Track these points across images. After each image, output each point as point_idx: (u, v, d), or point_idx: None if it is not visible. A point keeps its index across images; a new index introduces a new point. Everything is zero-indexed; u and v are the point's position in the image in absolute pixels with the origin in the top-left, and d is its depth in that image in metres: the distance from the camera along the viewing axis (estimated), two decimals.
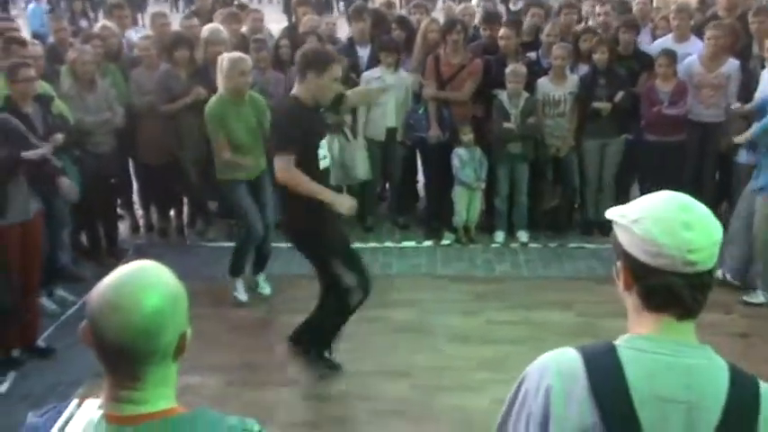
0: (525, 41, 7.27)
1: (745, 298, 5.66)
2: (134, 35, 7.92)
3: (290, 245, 6.85)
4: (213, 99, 5.65)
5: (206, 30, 6.72)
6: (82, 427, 1.40)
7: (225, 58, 5.58)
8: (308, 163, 4.31)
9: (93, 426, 1.40)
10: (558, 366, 1.56)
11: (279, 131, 4.42)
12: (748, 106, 6.10)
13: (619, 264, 1.60)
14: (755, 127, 5.65)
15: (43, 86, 5.70)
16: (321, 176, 4.40)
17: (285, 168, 4.27)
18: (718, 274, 5.85)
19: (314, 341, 4.73)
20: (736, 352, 4.96)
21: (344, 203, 4.38)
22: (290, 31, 7.84)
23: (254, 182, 5.77)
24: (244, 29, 7.75)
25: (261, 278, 6.07)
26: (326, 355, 4.75)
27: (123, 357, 1.44)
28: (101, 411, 1.43)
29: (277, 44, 7.37)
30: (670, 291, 1.53)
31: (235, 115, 5.59)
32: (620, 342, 1.58)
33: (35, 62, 5.72)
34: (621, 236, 1.58)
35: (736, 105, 6.28)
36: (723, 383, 1.52)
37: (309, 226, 4.41)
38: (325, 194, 4.33)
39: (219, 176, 5.73)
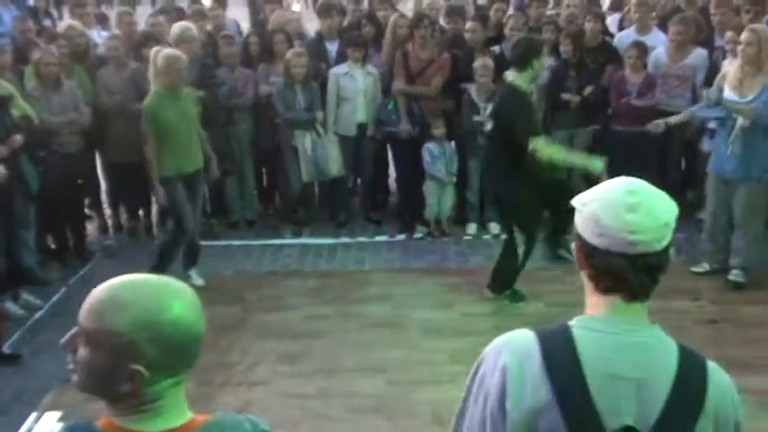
0: (490, 36, 7.30)
1: (729, 277, 5.73)
2: (96, 35, 7.81)
3: (261, 242, 6.93)
4: (150, 93, 5.62)
5: (177, 27, 6.65)
6: None
7: (160, 55, 5.54)
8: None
9: None
10: (514, 346, 1.61)
11: (528, 118, 5.12)
12: (690, 111, 6.12)
13: (573, 245, 1.66)
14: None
15: (4, 87, 5.60)
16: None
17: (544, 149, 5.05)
18: (703, 266, 5.97)
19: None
20: (705, 338, 5.02)
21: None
22: (259, 28, 7.80)
23: (189, 178, 5.75)
24: (210, 26, 7.69)
25: (193, 272, 6.04)
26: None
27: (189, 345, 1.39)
28: (60, 424, 1.38)
29: (246, 41, 7.33)
30: (614, 272, 1.57)
31: (171, 109, 5.57)
32: (573, 322, 1.62)
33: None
34: (577, 217, 1.63)
35: (672, 119, 6.18)
36: (672, 362, 1.57)
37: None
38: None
39: (159, 173, 5.67)
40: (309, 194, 7.26)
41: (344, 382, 4.63)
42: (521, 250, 5.48)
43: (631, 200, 1.56)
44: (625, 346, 1.56)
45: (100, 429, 1.38)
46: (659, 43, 6.92)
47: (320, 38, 7.48)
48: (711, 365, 1.61)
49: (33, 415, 1.39)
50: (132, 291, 1.35)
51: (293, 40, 7.19)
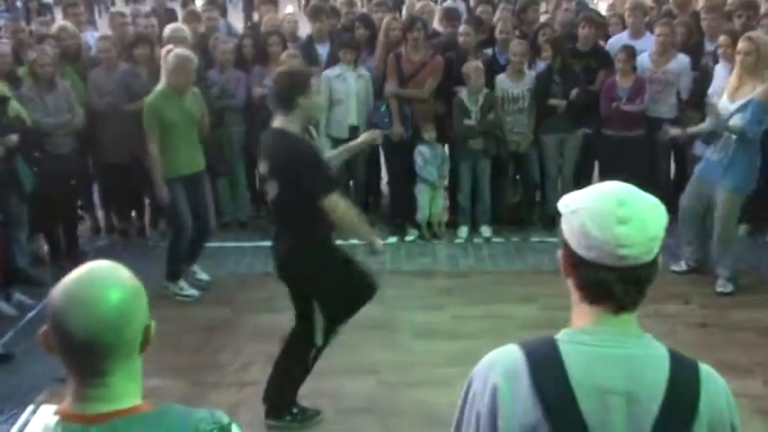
0: (482, 39, 7.33)
1: (718, 289, 5.74)
2: (90, 37, 7.82)
3: (253, 244, 6.93)
4: (155, 91, 5.62)
5: (169, 28, 6.67)
6: None
7: (172, 55, 5.56)
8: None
9: (49, 430, 1.37)
10: (503, 365, 1.58)
11: (313, 172, 3.92)
12: (698, 128, 6.03)
13: (559, 252, 1.63)
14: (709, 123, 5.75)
15: (0, 88, 5.62)
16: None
17: (340, 208, 3.96)
18: (681, 265, 6.03)
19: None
20: (696, 342, 5.06)
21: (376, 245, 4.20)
22: (253, 30, 7.81)
23: (192, 180, 5.75)
24: (202, 28, 7.71)
25: (195, 267, 6.08)
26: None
27: (90, 353, 1.43)
28: (57, 417, 1.40)
29: (240, 43, 7.34)
30: (602, 285, 1.54)
31: (176, 109, 5.58)
32: (560, 336, 1.60)
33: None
34: (563, 224, 1.60)
35: (675, 131, 6.17)
36: (663, 372, 1.54)
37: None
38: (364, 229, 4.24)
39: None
40: None
41: (335, 383, 4.64)
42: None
43: (621, 212, 1.52)
44: (613, 358, 1.54)
45: None
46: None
47: (311, 41, 7.49)
48: (705, 370, 1.59)
49: (30, 408, 1.40)
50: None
51: (288, 41, 7.21)
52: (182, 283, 5.89)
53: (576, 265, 1.57)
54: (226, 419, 1.51)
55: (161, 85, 5.63)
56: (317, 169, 3.91)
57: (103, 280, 1.46)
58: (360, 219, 4.21)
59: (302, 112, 3.97)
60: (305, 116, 4.02)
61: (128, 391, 1.48)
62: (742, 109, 5.41)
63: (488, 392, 1.56)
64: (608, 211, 1.53)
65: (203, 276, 6.09)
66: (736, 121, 5.42)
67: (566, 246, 1.59)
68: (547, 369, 1.54)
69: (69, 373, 1.48)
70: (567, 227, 1.59)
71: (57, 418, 1.41)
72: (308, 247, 4.02)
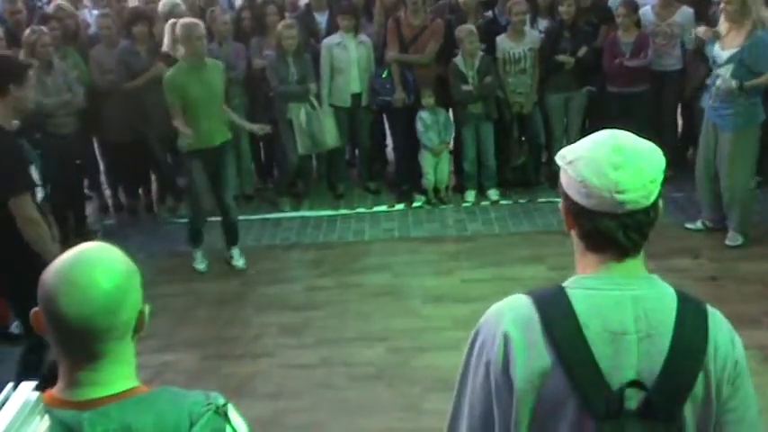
0: (481, 0, 7.23)
1: (727, 242, 5.72)
2: (88, 15, 7.76)
3: (260, 216, 6.93)
4: (174, 67, 5.57)
5: (165, 4, 6.60)
6: (16, 409, 1.32)
7: (178, 25, 5.52)
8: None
9: (29, 408, 1.33)
10: (513, 313, 1.60)
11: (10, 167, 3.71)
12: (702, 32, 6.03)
13: (561, 204, 1.64)
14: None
15: None
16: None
17: (29, 212, 3.72)
18: (697, 224, 5.99)
19: None
20: (707, 295, 5.00)
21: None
22: (251, 2, 7.73)
23: (214, 152, 5.64)
24: (201, 1, 7.62)
25: (234, 252, 6.02)
26: None
27: (82, 336, 1.42)
28: (37, 393, 1.38)
29: (238, 15, 7.28)
30: (604, 232, 1.56)
31: (196, 82, 5.48)
32: (567, 284, 1.62)
33: None
34: (562, 177, 1.62)
35: (698, 30, 6.12)
36: (671, 310, 1.56)
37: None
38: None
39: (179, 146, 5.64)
40: (307, 167, 7.25)
41: (346, 352, 4.67)
42: None
43: (617, 158, 1.53)
44: (621, 300, 1.55)
45: None
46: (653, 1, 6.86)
47: (309, 9, 7.41)
48: (712, 311, 1.62)
49: (10, 384, 1.35)
50: None
51: (287, 11, 7.13)
52: (196, 254, 5.92)
53: (578, 215, 1.59)
54: (221, 401, 1.49)
55: (179, 62, 5.56)
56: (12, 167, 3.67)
57: (95, 263, 1.44)
58: (48, 235, 3.81)
59: (13, 103, 3.80)
60: (15, 107, 3.82)
61: (120, 374, 1.47)
62: (731, 59, 5.41)
63: (499, 341, 1.58)
64: (604, 159, 1.54)
65: (239, 263, 5.95)
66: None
67: (566, 197, 1.61)
68: (557, 315, 1.56)
69: (60, 356, 1.46)
70: (566, 178, 1.60)
71: (37, 394, 1.37)
72: (11, 247, 3.72)
